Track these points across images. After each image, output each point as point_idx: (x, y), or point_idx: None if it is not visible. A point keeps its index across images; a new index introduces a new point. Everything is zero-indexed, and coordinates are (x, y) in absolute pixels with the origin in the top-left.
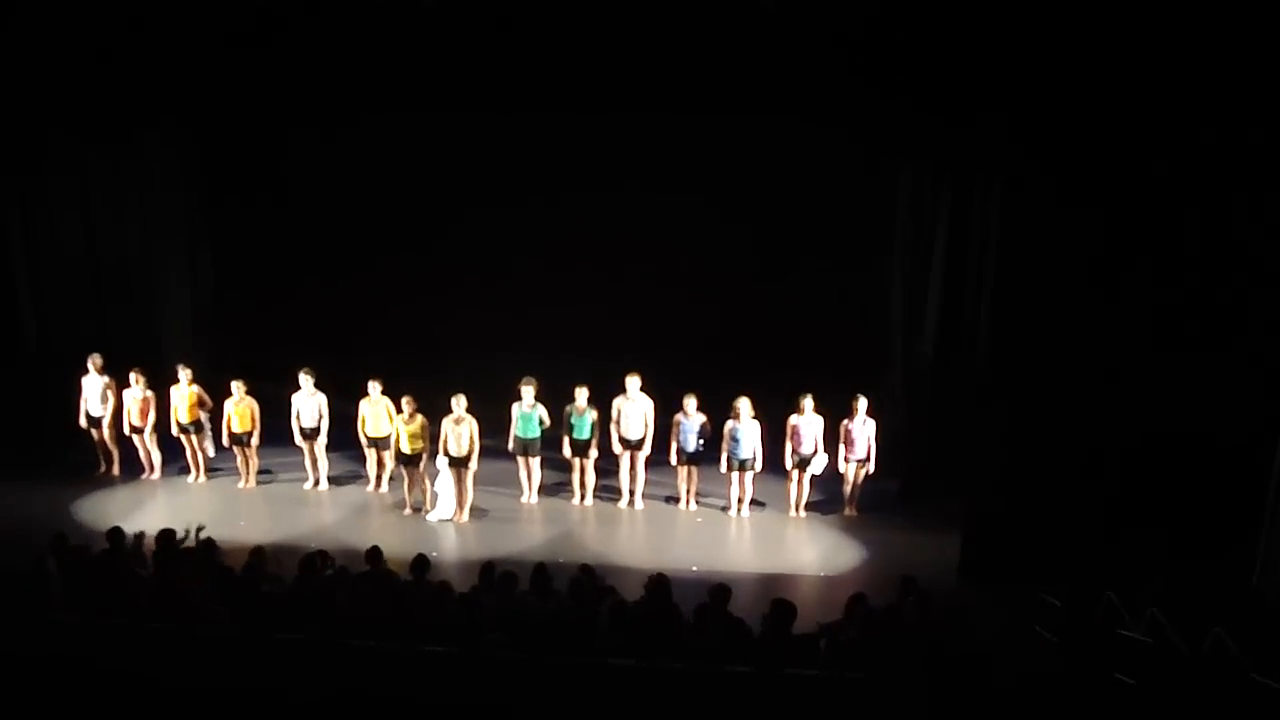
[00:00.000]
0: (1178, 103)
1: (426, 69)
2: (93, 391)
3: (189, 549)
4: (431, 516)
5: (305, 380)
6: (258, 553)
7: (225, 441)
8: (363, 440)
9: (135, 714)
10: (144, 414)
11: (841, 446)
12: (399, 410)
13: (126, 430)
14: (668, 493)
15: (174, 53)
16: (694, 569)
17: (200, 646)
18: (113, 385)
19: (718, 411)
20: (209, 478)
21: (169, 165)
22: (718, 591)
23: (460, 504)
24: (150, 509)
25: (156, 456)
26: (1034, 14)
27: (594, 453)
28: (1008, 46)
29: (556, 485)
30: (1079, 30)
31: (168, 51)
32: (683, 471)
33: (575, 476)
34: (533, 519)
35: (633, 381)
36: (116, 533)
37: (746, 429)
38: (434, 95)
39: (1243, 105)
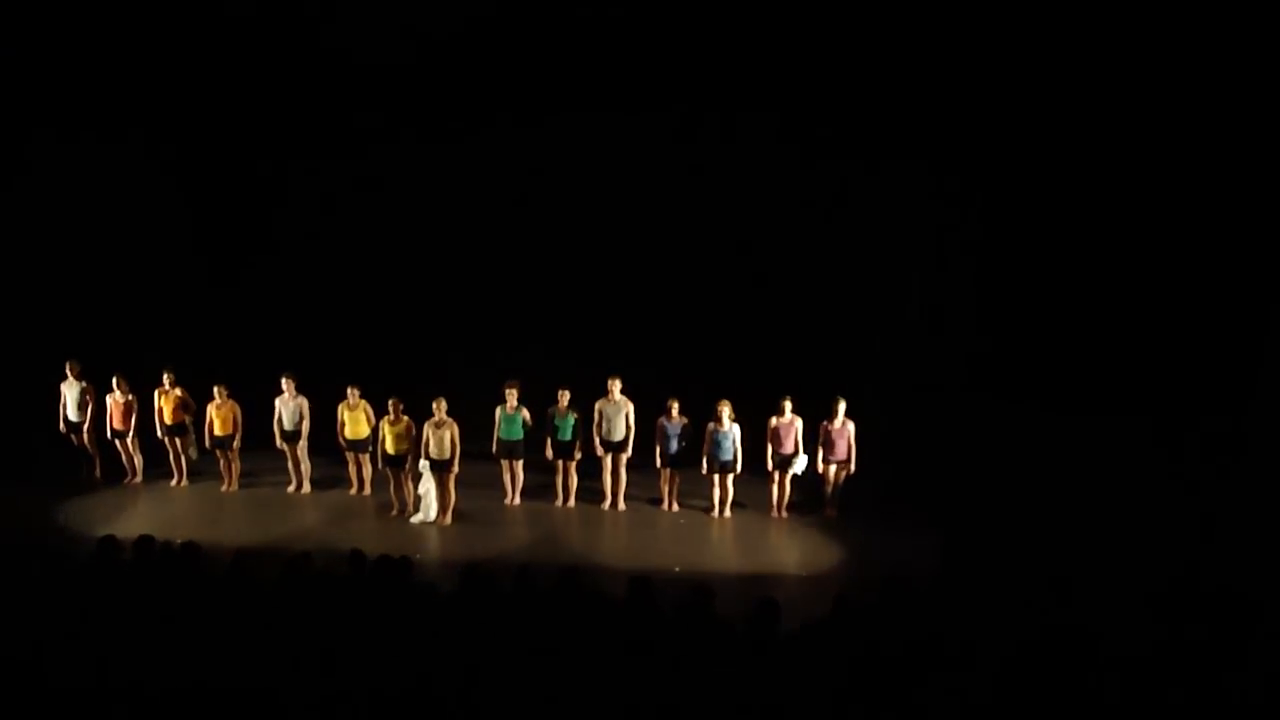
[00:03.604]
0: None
1: (412, 72)
2: (71, 397)
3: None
4: (414, 519)
5: (287, 384)
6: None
7: (207, 444)
8: (342, 444)
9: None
10: (126, 418)
11: (821, 448)
12: (384, 413)
13: (109, 434)
14: (650, 495)
15: (160, 55)
16: (676, 569)
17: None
18: (91, 390)
19: (699, 414)
20: (191, 481)
21: (154, 167)
22: (699, 592)
23: (443, 507)
24: (133, 513)
25: (139, 460)
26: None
27: (577, 455)
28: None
29: (539, 488)
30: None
31: (154, 55)
32: (665, 474)
33: (558, 479)
34: (516, 521)
35: (614, 384)
36: (109, 540)
37: (728, 431)
38: (420, 97)
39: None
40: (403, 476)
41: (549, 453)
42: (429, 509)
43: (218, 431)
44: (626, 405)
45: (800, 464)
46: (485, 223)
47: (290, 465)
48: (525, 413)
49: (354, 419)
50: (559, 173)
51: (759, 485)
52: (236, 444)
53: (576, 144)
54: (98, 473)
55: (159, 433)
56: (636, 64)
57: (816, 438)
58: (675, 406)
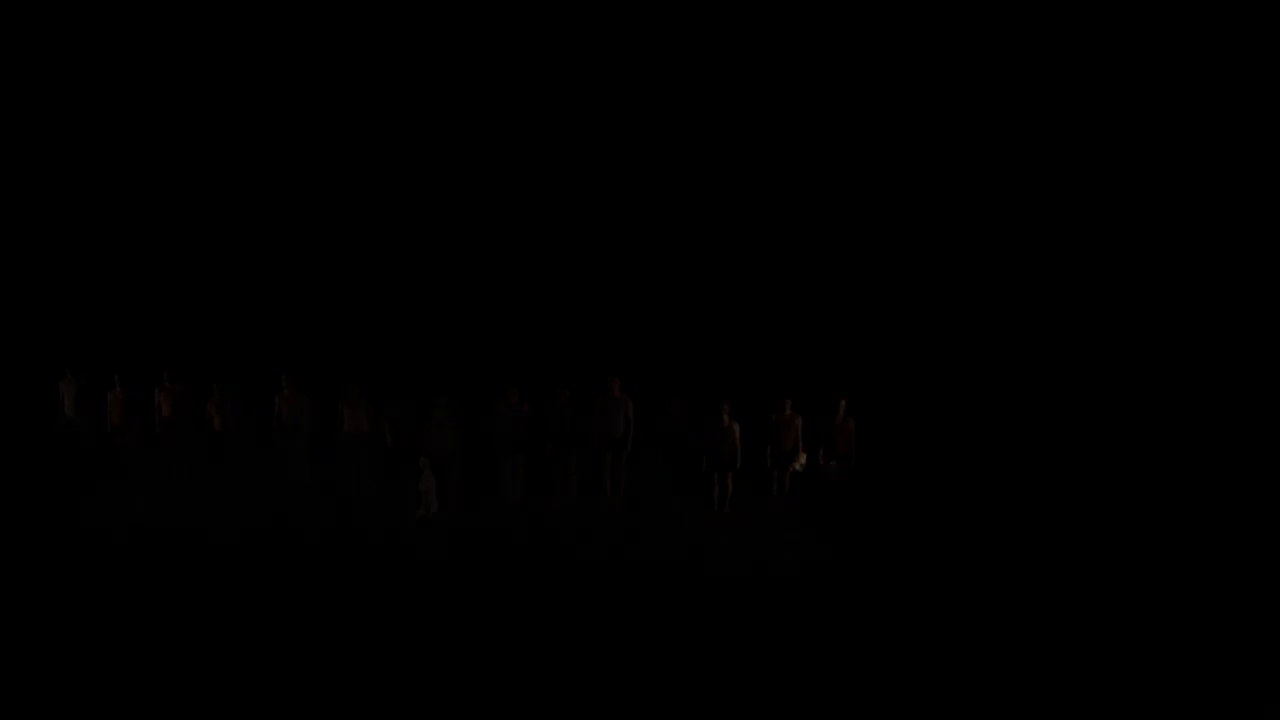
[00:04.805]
0: None
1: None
2: (69, 395)
3: None
4: (415, 514)
5: (287, 381)
6: None
7: (207, 440)
8: (343, 440)
9: None
10: (126, 413)
11: (823, 445)
12: (384, 409)
13: (109, 428)
14: (650, 492)
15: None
16: (676, 567)
17: None
18: (90, 388)
19: (701, 413)
20: (191, 476)
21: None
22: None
23: (443, 502)
24: (133, 506)
25: (140, 455)
26: None
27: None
28: None
29: (540, 483)
30: None
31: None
32: (666, 471)
33: (560, 476)
34: (515, 516)
35: (615, 383)
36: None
37: (727, 429)
38: (421, 94)
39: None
40: (405, 473)
41: (550, 449)
42: (429, 504)
43: (216, 427)
44: (626, 403)
45: (800, 462)
46: (490, 219)
47: (293, 462)
48: (528, 409)
49: (354, 415)
50: (564, 171)
51: (759, 483)
52: (236, 440)
53: (579, 142)
54: (100, 467)
55: (155, 428)
56: (634, 61)
57: (817, 435)
58: (675, 404)
